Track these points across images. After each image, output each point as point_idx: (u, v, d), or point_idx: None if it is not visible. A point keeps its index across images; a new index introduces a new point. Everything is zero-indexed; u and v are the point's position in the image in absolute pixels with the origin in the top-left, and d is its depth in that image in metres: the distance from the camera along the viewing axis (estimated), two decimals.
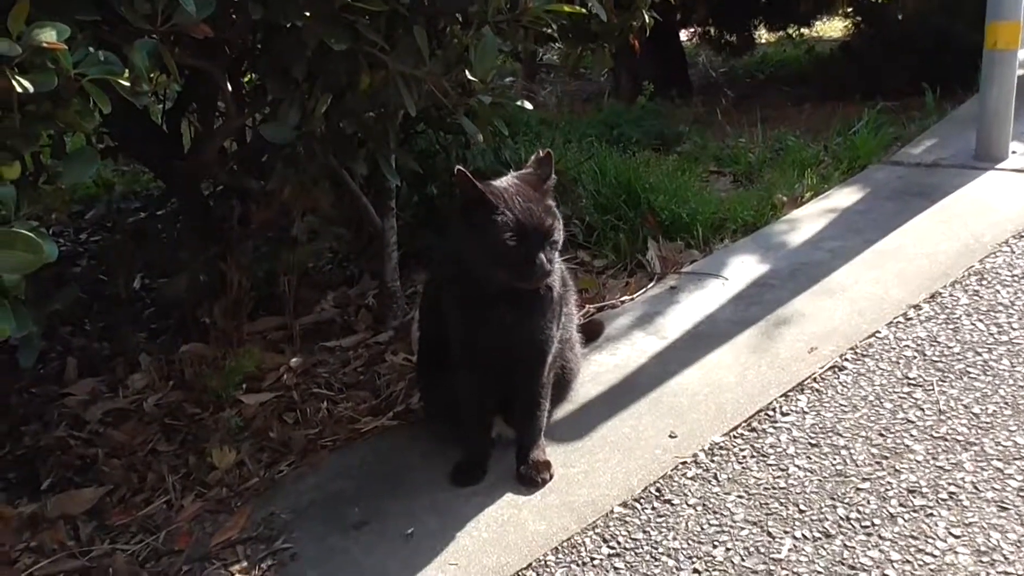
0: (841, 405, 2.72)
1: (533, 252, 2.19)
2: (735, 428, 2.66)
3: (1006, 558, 2.08)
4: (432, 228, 3.92)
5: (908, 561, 2.10)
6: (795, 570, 2.11)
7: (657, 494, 2.42)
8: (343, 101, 2.71)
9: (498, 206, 2.18)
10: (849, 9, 7.82)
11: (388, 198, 3.40)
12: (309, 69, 2.57)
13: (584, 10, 3.01)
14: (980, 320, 3.11)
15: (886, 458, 2.45)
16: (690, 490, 2.43)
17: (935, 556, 2.10)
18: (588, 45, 3.66)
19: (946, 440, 2.51)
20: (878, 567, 2.09)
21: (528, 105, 3.04)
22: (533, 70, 8.77)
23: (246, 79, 3.33)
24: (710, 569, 2.15)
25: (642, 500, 2.41)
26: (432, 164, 4.03)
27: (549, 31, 3.04)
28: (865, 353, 2.99)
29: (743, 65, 9.41)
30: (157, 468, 2.75)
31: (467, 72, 2.61)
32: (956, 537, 2.16)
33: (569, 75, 8.91)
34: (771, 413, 2.72)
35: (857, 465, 2.44)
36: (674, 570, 2.16)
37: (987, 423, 2.56)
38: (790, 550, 2.17)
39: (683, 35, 9.24)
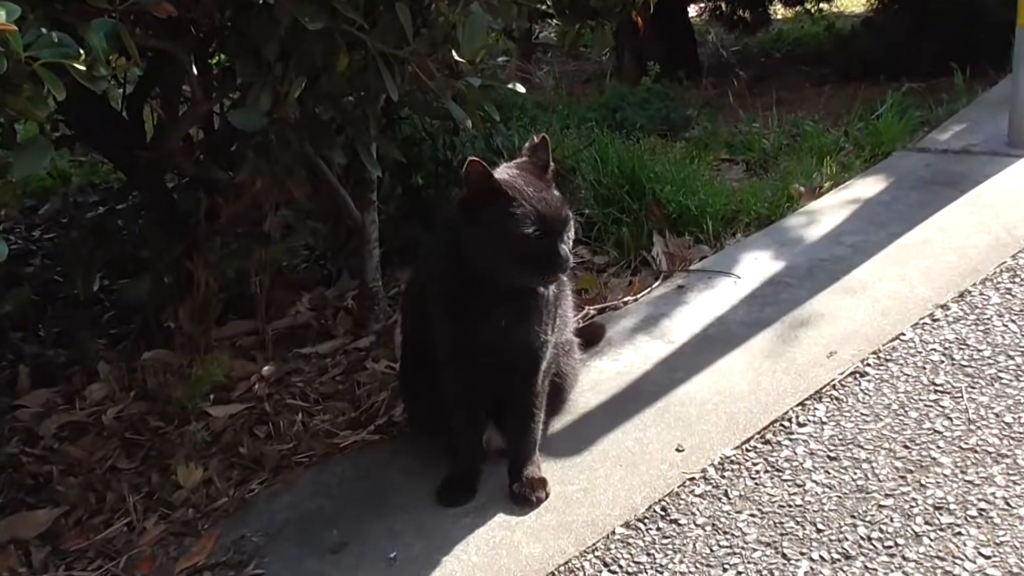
0: (862, 414, 2.73)
1: (555, 244, 2.20)
2: (748, 440, 2.67)
3: None
4: (417, 222, 3.92)
5: None
6: None
7: (663, 513, 2.43)
8: (319, 84, 2.71)
9: (515, 198, 2.18)
10: None
11: (369, 190, 3.40)
12: (282, 49, 2.57)
13: None
14: (1013, 321, 3.13)
15: (911, 472, 2.46)
16: (698, 509, 2.44)
17: None
18: (587, 22, 3.66)
19: (976, 452, 2.52)
20: None
21: (521, 88, 3.04)
22: (528, 49, 8.79)
23: (214, 61, 3.33)
24: None
25: (646, 520, 2.41)
26: (417, 153, 4.04)
27: (544, 7, 3.05)
28: (888, 357, 3.00)
29: (757, 43, 9.44)
30: (117, 487, 2.75)
31: (454, 52, 2.62)
32: (986, 558, 2.17)
33: (567, 55, 8.92)
34: (787, 424, 2.73)
35: (879, 480, 2.45)
36: None
37: (1020, 433, 2.57)
38: (807, 573, 2.18)
39: (691, 11, 9.27)
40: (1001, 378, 2.83)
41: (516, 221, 2.17)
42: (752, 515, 2.38)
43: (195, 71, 2.83)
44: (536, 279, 2.27)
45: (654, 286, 3.66)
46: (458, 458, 2.58)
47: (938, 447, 2.55)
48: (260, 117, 2.58)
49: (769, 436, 2.68)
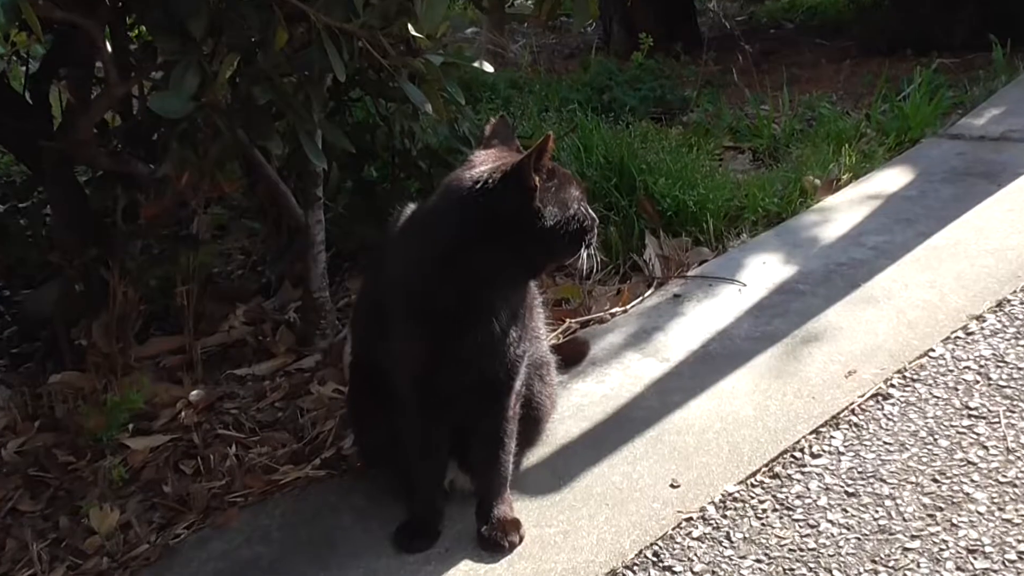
0: (885, 443, 2.75)
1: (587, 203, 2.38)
2: (753, 474, 2.68)
3: None
4: (371, 221, 3.91)
5: None
6: None
7: (655, 559, 2.43)
8: (254, 63, 2.70)
9: (559, 172, 2.32)
10: None
11: (314, 184, 3.40)
12: (211, 23, 2.56)
13: None
14: None
15: (941, 510, 2.48)
16: (696, 553, 2.44)
17: None
18: None
19: (1015, 486, 2.53)
20: None
21: (488, 67, 3.05)
22: (501, 20, 8.78)
23: (132, 35, 3.32)
24: None
25: (636, 567, 2.42)
26: (370, 141, 4.03)
27: None
28: (916, 377, 3.01)
29: (767, 12, 9.46)
30: (19, 533, 2.73)
31: (411, 26, 2.62)
32: None
33: (545, 26, 8.93)
34: (798, 455, 2.74)
35: (905, 519, 2.46)
36: None
37: None
38: None
39: None
40: None
41: (568, 192, 2.31)
42: (758, 560, 2.39)
43: (109, 48, 2.82)
44: (584, 247, 2.36)
45: (646, 295, 3.67)
46: (417, 497, 2.57)
47: (972, 481, 2.57)
48: (185, 101, 2.58)
49: (778, 469, 2.69)
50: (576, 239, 2.32)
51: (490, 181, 2.23)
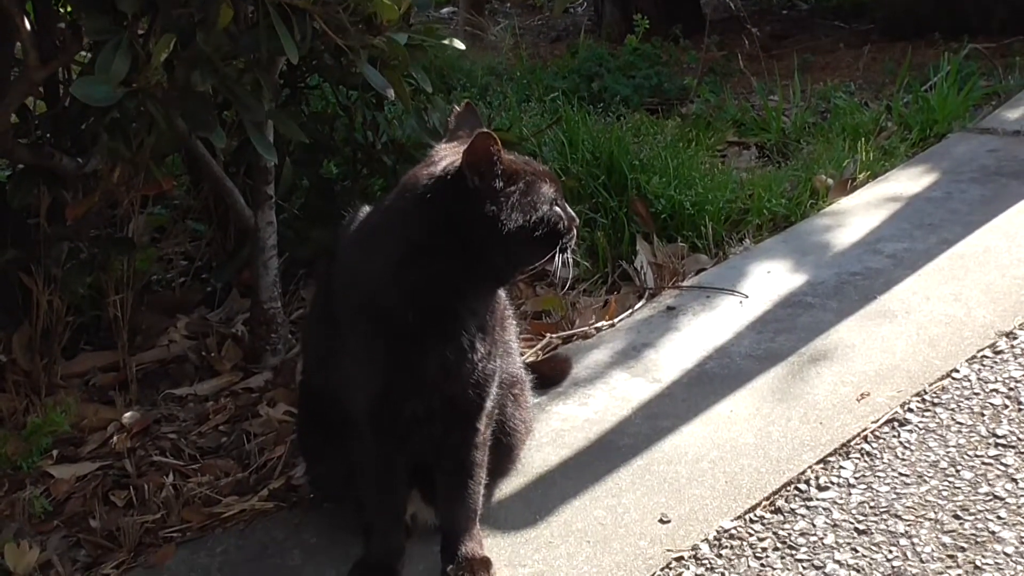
0: (901, 475, 2.75)
1: (563, 202, 2.38)
2: (753, 508, 2.68)
3: None
4: (329, 223, 3.90)
5: None
6: None
7: None
8: (193, 45, 2.69)
9: (519, 170, 2.29)
10: None
11: (264, 182, 3.39)
12: None
13: None
14: None
15: (963, 550, 2.48)
16: None
17: None
18: None
19: None
20: None
21: (459, 44, 3.05)
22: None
23: (57, 11, 3.31)
24: None
25: None
26: (329, 133, 4.03)
27: None
28: (936, 401, 3.02)
29: None
30: None
31: (371, 2, 2.62)
32: None
33: (529, 6, 8.95)
34: (803, 487, 2.74)
35: (922, 560, 2.46)
36: None
37: None
38: None
39: None
40: None
41: (542, 196, 2.30)
42: None
43: (29, 26, 2.80)
44: (556, 251, 2.35)
45: (636, 307, 3.68)
46: (374, 534, 2.56)
47: (998, 518, 2.57)
48: (114, 87, 2.56)
49: (780, 503, 2.69)
50: (548, 243, 2.31)
51: (446, 179, 2.24)
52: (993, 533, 2.52)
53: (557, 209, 2.32)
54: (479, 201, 2.21)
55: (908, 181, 4.44)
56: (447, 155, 2.32)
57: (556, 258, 2.33)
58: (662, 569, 2.51)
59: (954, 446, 2.83)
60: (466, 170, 2.20)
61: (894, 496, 2.67)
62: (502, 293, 2.55)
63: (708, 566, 2.51)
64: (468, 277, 2.29)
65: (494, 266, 2.31)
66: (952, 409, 2.98)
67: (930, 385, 3.07)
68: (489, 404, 2.49)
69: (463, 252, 2.24)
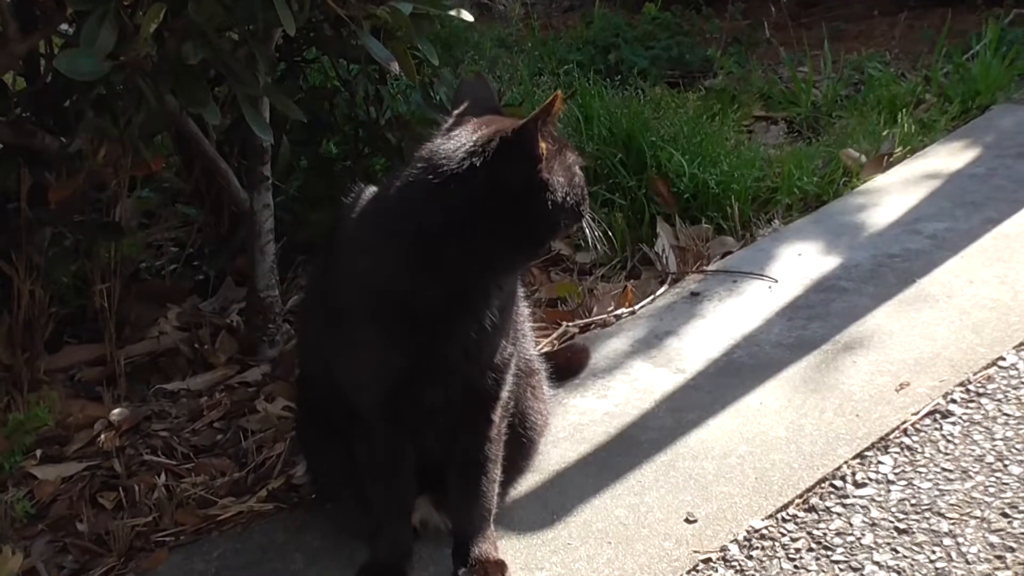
0: (945, 470, 2.74)
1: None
2: (785, 507, 2.67)
3: None
4: (329, 205, 3.90)
5: None
6: None
7: None
8: (184, 14, 2.69)
9: (554, 135, 2.30)
10: None
11: (260, 162, 3.39)
12: None
13: None
14: None
15: (1012, 550, 2.47)
16: None
17: None
18: None
19: None
20: None
21: (466, 15, 3.04)
22: None
23: None
24: None
25: None
26: (328, 110, 4.03)
27: None
28: (982, 391, 3.02)
29: None
30: None
31: None
32: None
33: None
34: (839, 483, 2.73)
35: (968, 561, 2.46)
36: None
37: None
38: None
39: None
40: None
41: (569, 157, 2.33)
42: None
43: None
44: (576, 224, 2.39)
45: (658, 293, 3.68)
46: (381, 535, 2.56)
47: None
48: (99, 61, 2.56)
49: (815, 501, 2.69)
50: (579, 208, 2.33)
51: (487, 150, 2.21)
52: None
53: (581, 173, 2.34)
54: (536, 165, 2.20)
55: (948, 157, 4.43)
56: (475, 127, 2.30)
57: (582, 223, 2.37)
58: (688, 572, 2.50)
59: (1001, 439, 2.83)
60: (537, 134, 2.18)
61: (937, 493, 2.67)
62: None
63: (738, 568, 2.51)
64: (507, 250, 2.27)
65: (534, 235, 2.29)
66: (999, 400, 2.97)
67: (974, 374, 3.07)
68: (505, 393, 2.48)
69: (504, 223, 2.22)
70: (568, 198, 2.27)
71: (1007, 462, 2.74)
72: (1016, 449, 2.78)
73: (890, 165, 4.44)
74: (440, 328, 2.29)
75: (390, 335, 2.34)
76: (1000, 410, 2.93)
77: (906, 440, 2.86)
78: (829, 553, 2.52)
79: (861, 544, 2.54)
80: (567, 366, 3.17)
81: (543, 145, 2.19)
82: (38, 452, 3.08)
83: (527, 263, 2.47)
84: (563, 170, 2.27)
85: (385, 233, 2.33)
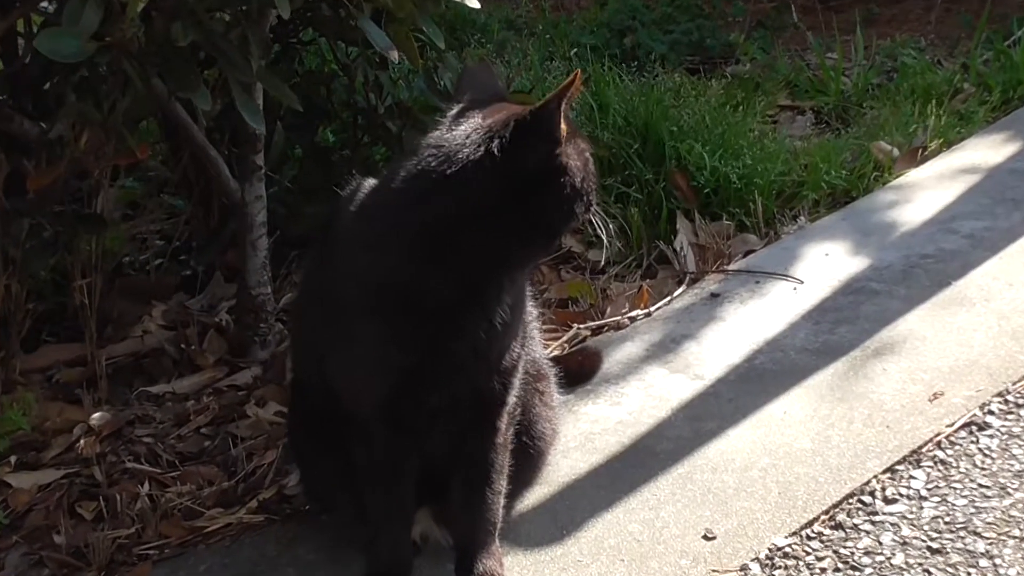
0: (981, 486, 2.74)
1: None
2: (810, 524, 2.67)
3: None
4: (326, 197, 3.90)
5: None
6: None
7: None
8: None
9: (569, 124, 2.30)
10: None
11: (253, 151, 3.39)
12: None
13: None
14: None
15: None
16: None
17: None
18: None
19: None
20: None
21: (474, 1, 3.04)
22: None
23: None
24: None
25: None
26: (325, 96, 4.03)
27: None
28: (1022, 402, 3.01)
29: None
30: None
31: None
32: None
33: None
34: (868, 499, 2.73)
35: None
36: None
37: None
38: None
39: None
40: None
41: (582, 143, 2.33)
42: None
43: None
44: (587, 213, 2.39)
45: (675, 294, 3.68)
46: (380, 547, 2.56)
47: None
48: (83, 41, 2.56)
49: (842, 517, 2.69)
50: (590, 196, 2.33)
51: (504, 134, 2.20)
52: None
53: (592, 160, 2.35)
54: (555, 148, 2.20)
55: (988, 150, 4.42)
56: (486, 114, 2.29)
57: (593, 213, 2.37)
58: None
59: None
60: (559, 115, 2.18)
61: (973, 510, 2.67)
62: None
63: None
64: (522, 241, 2.27)
65: (551, 224, 2.30)
66: None
67: (1014, 384, 3.07)
68: (511, 398, 2.48)
69: (520, 211, 2.22)
70: (584, 183, 2.28)
71: None
72: None
73: (924, 159, 4.44)
74: (448, 325, 2.29)
75: (395, 331, 2.33)
76: None
77: (940, 454, 2.85)
78: (856, 573, 2.52)
79: (891, 564, 2.54)
80: (578, 371, 3.17)
81: (564, 127, 2.20)
82: (12, 459, 3.08)
83: (541, 255, 2.51)
84: (577, 154, 2.27)
85: (393, 224, 2.31)
